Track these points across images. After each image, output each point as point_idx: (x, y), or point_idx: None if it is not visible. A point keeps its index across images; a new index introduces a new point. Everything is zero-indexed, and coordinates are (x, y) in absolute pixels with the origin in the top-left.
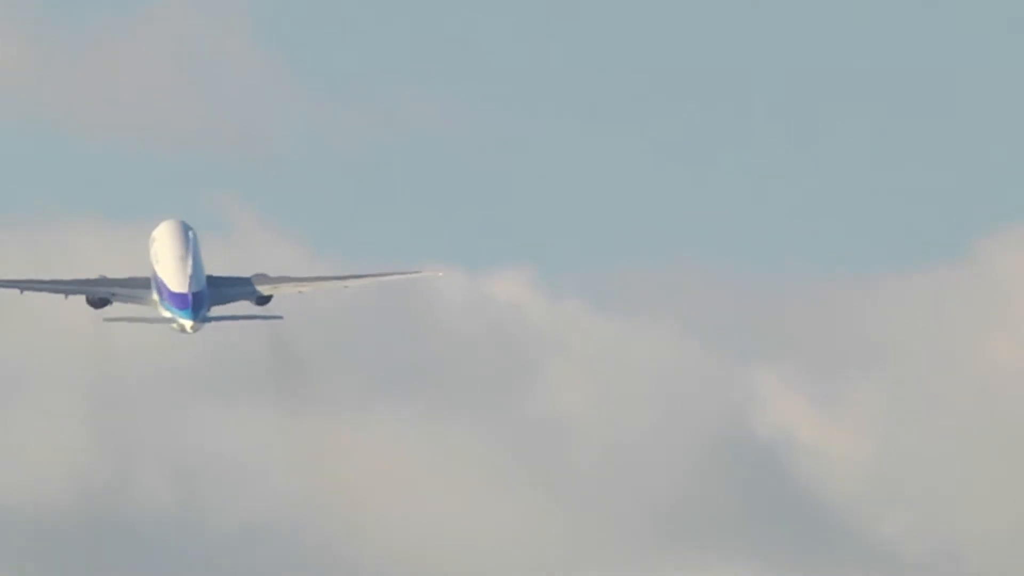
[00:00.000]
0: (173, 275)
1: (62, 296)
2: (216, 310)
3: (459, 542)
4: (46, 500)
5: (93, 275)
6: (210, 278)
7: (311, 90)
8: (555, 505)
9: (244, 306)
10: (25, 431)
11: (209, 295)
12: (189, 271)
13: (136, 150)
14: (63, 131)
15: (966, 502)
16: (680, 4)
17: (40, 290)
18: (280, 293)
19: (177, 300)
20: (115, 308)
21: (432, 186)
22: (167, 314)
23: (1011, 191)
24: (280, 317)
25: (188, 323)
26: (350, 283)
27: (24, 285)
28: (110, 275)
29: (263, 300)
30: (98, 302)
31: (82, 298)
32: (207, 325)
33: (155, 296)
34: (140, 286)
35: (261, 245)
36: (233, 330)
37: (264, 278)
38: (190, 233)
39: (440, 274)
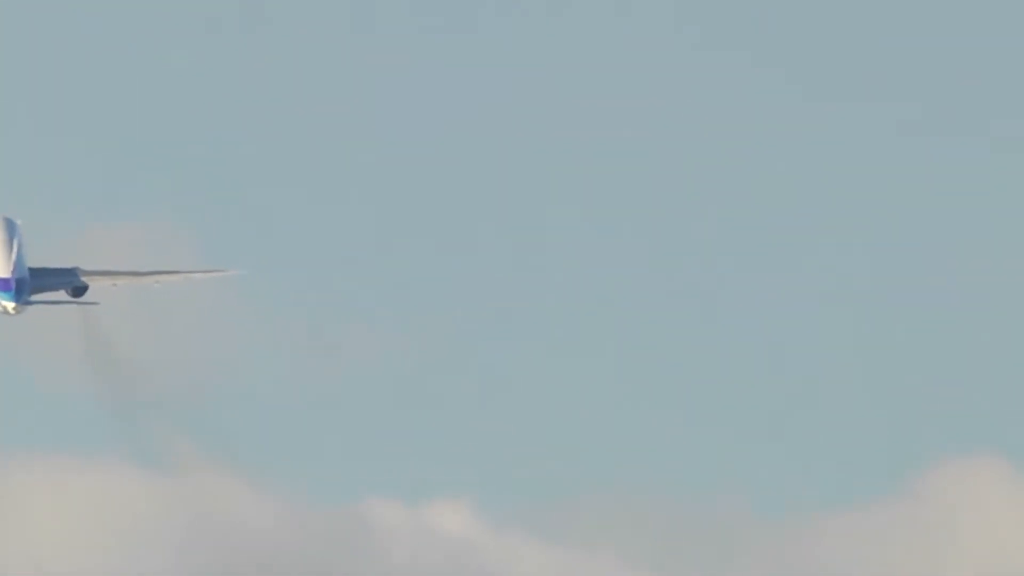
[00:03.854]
0: None
1: None
2: (37, 297)
3: None
4: None
5: None
6: (32, 269)
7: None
8: None
9: (62, 294)
10: None
11: (31, 282)
12: (13, 257)
13: None
14: None
15: None
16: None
17: None
18: (95, 284)
19: (0, 284)
20: None
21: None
22: None
23: (956, 425)
24: (97, 303)
25: (10, 305)
26: (161, 279)
27: None
28: None
29: (80, 291)
30: None
31: None
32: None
33: None
34: None
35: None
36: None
37: (79, 271)
38: (15, 224)
39: (242, 272)
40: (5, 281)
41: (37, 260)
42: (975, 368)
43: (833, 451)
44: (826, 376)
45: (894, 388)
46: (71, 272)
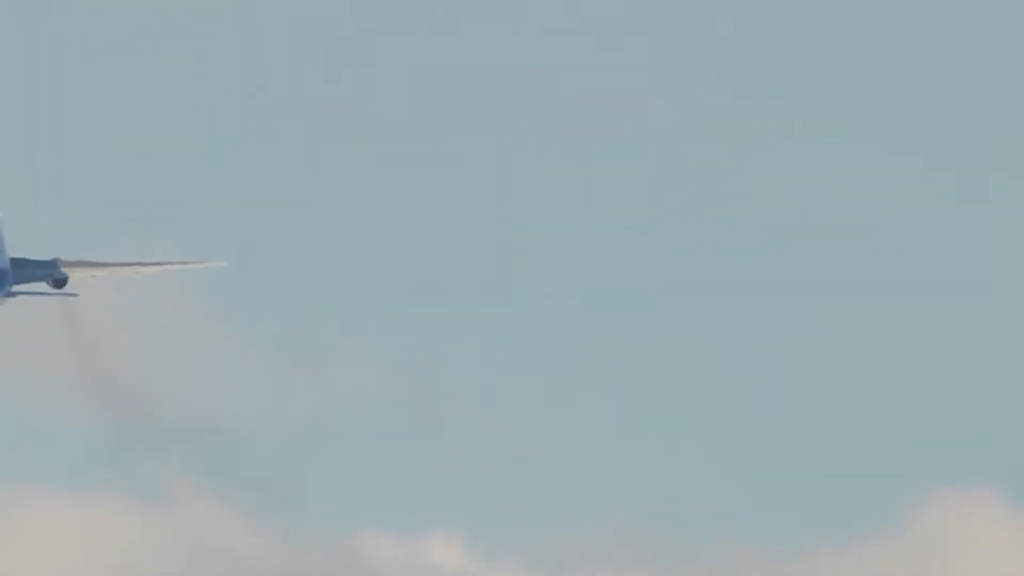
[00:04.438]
0: None
1: None
2: (17, 288)
3: None
4: None
5: None
6: (12, 259)
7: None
8: None
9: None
10: None
11: (12, 274)
12: None
13: None
14: None
15: None
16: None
17: None
18: (75, 276)
19: None
20: None
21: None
22: None
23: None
24: (76, 295)
25: None
26: (142, 271)
27: None
28: None
29: (60, 282)
30: None
31: None
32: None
33: None
34: None
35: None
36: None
37: (60, 262)
38: None
39: (224, 264)
40: None
41: (17, 250)
42: (967, 398)
43: (825, 484)
44: (817, 404)
45: (882, 422)
46: (51, 263)
